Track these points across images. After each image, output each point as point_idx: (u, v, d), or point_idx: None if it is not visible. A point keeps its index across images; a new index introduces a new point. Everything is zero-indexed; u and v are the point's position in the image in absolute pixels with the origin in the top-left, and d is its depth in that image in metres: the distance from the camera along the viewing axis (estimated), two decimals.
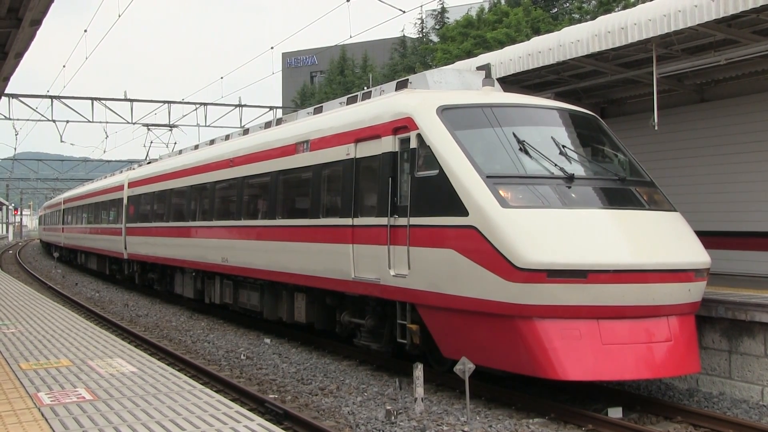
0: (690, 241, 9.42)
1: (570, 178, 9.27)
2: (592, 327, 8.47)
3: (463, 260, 8.95)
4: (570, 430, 8.60)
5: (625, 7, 29.69)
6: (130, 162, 47.87)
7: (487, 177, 9.02)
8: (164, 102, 34.06)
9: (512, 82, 13.94)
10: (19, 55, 10.55)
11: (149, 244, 22.43)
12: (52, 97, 31.66)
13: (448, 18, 52.28)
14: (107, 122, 34.48)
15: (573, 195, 9.16)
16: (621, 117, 16.09)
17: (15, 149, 45.46)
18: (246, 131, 17.76)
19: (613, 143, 10.62)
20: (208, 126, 34.63)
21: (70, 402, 6.73)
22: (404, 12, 21.29)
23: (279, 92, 70.96)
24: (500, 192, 8.86)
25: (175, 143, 34.30)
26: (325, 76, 62.97)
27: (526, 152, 9.52)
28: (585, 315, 8.48)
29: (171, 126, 34.15)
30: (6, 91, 17.86)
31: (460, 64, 14.89)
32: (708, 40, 12.00)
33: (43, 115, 32.69)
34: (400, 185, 10.24)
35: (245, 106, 35.07)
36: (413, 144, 9.99)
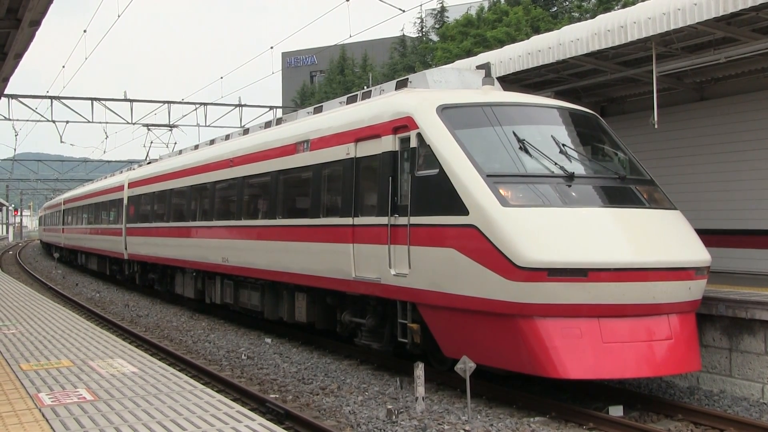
0: (690, 239, 9.42)
1: (570, 177, 9.26)
2: (593, 325, 8.47)
3: (464, 259, 8.95)
4: (571, 428, 8.60)
5: (624, 6, 29.68)
6: (130, 162, 47.89)
7: (488, 176, 9.02)
8: (164, 102, 34.04)
9: (512, 81, 13.95)
10: (19, 56, 10.55)
11: (150, 244, 22.43)
12: (51, 98, 31.65)
13: (447, 17, 52.33)
14: (107, 122, 34.51)
15: (573, 194, 9.16)
16: (621, 115, 16.10)
17: (15, 150, 45.35)
18: (246, 131, 17.76)
19: (613, 142, 10.62)
20: (208, 126, 34.62)
21: (71, 402, 6.73)
22: (404, 11, 21.32)
23: (279, 92, 71.00)
24: (500, 191, 8.86)
25: (175, 143, 34.33)
26: (325, 75, 63.00)
27: (526, 151, 9.51)
28: (585, 314, 8.48)
29: (171, 126, 34.14)
30: (5, 92, 17.85)
31: (459, 63, 14.88)
32: (707, 39, 12.00)
33: (42, 116, 32.70)
34: (401, 184, 10.23)
35: (245, 105, 35.06)
36: (413, 143, 9.99)
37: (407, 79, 11.73)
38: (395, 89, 11.73)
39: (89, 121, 32.37)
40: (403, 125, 10.24)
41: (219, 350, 14.06)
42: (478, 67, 12.14)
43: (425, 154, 9.75)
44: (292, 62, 69.43)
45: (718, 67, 13.28)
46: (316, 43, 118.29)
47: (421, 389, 9.07)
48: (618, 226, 8.98)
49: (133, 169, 28.03)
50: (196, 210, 18.41)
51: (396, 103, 10.71)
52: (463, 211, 8.99)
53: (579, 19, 31.06)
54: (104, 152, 56.21)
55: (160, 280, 22.51)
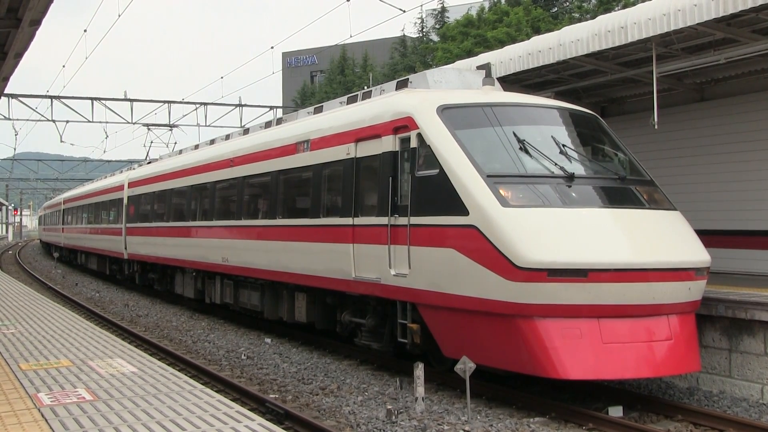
0: (690, 239, 9.42)
1: (570, 177, 9.27)
2: (593, 326, 8.48)
3: (464, 259, 8.95)
4: (571, 428, 8.60)
5: (624, 6, 29.69)
6: (130, 162, 47.87)
7: (488, 176, 9.02)
8: (164, 102, 34.04)
9: (512, 82, 13.94)
10: (19, 55, 10.55)
11: (149, 244, 22.43)
12: (51, 97, 31.65)
13: (448, 17, 52.33)
14: (107, 122, 34.51)
15: (573, 194, 9.16)
16: (621, 116, 16.10)
17: (15, 149, 45.31)
18: (246, 131, 17.76)
19: (613, 142, 10.63)
20: (209, 126, 34.62)
21: (70, 402, 6.73)
22: (404, 11, 21.32)
23: (279, 92, 71.04)
24: (500, 191, 8.86)
25: (176, 143, 34.35)
26: (326, 75, 63.05)
27: (527, 151, 9.51)
28: (585, 314, 8.48)
29: (171, 126, 34.14)
30: (6, 91, 17.86)
31: (460, 64, 14.88)
32: (707, 39, 12.00)
33: (42, 115, 32.69)
34: (401, 185, 10.23)
35: (245, 105, 35.07)
36: (413, 143, 9.99)
37: (408, 79, 11.73)
38: (396, 89, 11.73)
39: (89, 121, 32.38)
40: (403, 125, 10.24)
41: (219, 350, 14.06)
42: (479, 68, 12.15)
43: (425, 154, 9.76)
44: (292, 62, 69.46)
45: (718, 68, 13.28)
46: (316, 43, 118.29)
47: (420, 389, 9.07)
48: (618, 226, 8.98)
49: (133, 168, 28.03)
50: (196, 210, 18.42)
51: (396, 104, 10.71)
52: (463, 211, 8.99)
53: (579, 20, 31.05)
54: (104, 152, 56.29)
55: (160, 280, 22.51)
